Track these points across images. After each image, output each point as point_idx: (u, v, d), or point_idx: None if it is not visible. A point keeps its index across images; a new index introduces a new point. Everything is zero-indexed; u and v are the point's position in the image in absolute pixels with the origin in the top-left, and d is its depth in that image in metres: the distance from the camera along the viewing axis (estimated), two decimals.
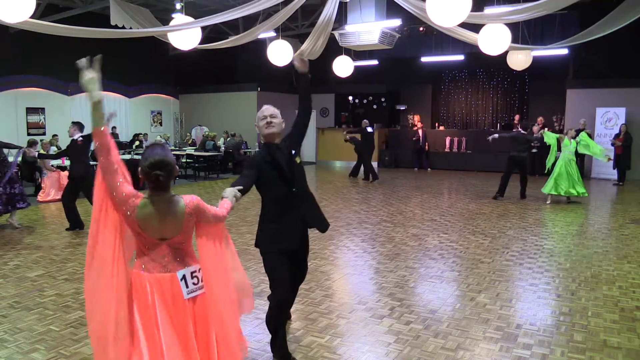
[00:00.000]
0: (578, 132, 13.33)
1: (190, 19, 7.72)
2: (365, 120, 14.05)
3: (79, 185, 7.62)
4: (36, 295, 4.81)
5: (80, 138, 7.67)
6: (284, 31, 11.25)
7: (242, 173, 3.25)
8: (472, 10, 5.60)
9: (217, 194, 11.40)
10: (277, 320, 3.40)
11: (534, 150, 13.78)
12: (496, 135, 10.58)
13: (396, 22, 9.75)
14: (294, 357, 3.47)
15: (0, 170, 7.63)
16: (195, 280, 2.46)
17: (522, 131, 10.69)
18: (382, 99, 18.52)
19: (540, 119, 14.72)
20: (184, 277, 2.43)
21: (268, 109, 3.38)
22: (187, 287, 2.43)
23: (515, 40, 9.64)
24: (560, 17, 12.52)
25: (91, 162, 7.99)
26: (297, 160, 3.39)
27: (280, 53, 9.00)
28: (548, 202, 9.69)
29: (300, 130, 3.50)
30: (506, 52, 9.93)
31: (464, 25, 6.91)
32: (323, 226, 3.57)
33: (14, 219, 7.85)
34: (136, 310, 2.38)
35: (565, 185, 9.61)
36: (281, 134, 3.39)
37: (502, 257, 6.13)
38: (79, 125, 7.88)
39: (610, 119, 13.88)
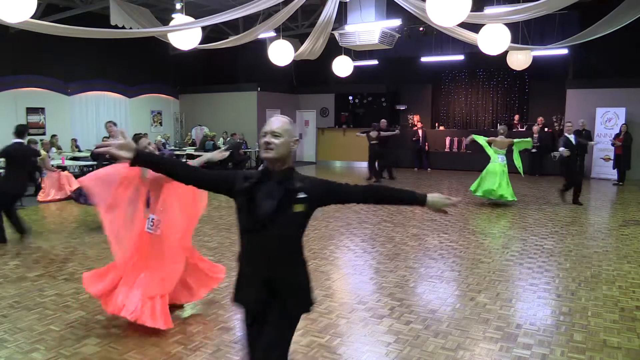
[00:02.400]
0: (577, 132, 13.40)
1: (190, 19, 7.72)
2: (374, 123, 13.42)
3: None
4: (36, 295, 4.81)
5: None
6: (284, 31, 11.24)
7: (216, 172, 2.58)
8: (472, 10, 5.60)
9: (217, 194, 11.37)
10: None
11: (534, 150, 13.80)
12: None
13: (396, 22, 9.75)
14: None
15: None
16: None
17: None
18: (382, 99, 18.49)
19: (540, 119, 14.76)
20: None
21: (271, 123, 2.35)
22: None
23: (515, 40, 9.64)
24: (560, 17, 12.51)
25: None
26: (298, 207, 2.32)
27: (280, 53, 9.03)
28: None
29: (337, 192, 2.62)
30: (506, 52, 9.93)
31: (463, 25, 6.92)
32: (299, 305, 2.42)
33: None
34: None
35: (487, 186, 9.32)
36: (285, 160, 2.34)
37: (502, 257, 6.13)
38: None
39: (610, 119, 13.88)
